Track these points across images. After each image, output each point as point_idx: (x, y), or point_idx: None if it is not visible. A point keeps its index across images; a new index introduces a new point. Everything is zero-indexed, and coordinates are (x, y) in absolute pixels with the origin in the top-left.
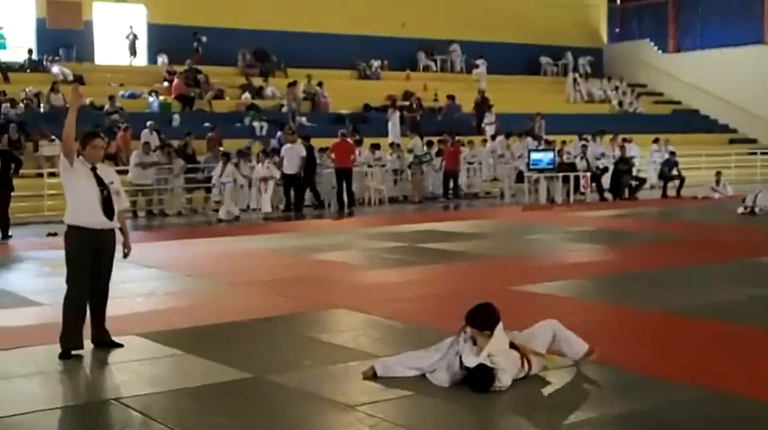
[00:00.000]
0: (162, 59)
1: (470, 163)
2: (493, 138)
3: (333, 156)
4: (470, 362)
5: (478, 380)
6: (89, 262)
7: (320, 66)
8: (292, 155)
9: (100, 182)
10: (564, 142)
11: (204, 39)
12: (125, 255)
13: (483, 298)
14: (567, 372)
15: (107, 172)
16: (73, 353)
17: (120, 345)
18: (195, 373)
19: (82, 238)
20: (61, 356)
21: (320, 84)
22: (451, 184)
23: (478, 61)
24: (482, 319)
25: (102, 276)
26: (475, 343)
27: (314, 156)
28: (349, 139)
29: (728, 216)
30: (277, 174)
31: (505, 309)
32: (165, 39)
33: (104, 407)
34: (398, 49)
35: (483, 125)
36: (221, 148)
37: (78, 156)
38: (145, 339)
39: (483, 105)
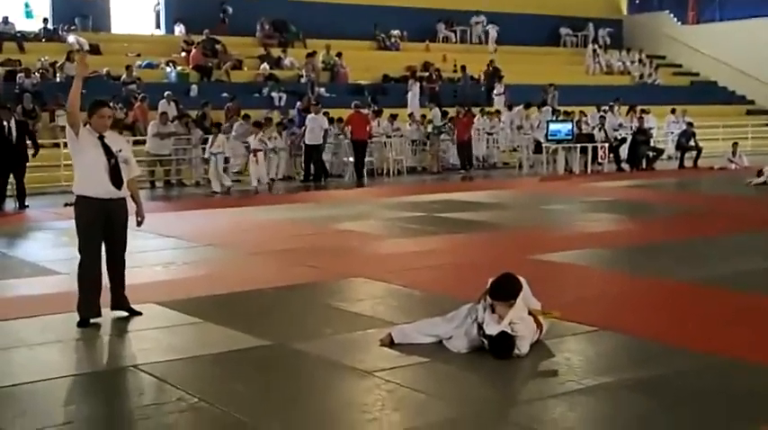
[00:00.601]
0: (179, 29)
1: (489, 133)
2: (510, 108)
3: (349, 127)
4: (493, 330)
5: (500, 347)
6: (99, 231)
7: (339, 36)
8: (315, 125)
9: (107, 151)
10: (582, 113)
11: (230, 9)
12: (138, 224)
13: (502, 267)
14: (582, 340)
15: (115, 140)
16: (91, 321)
17: (139, 313)
18: (215, 341)
19: (91, 208)
20: (79, 324)
21: (339, 54)
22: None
23: (489, 27)
24: (507, 291)
25: (116, 245)
26: (494, 311)
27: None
28: (363, 111)
29: (745, 187)
30: (271, 145)
31: (525, 277)
32: (183, 8)
33: (123, 374)
34: (418, 19)
35: (492, 95)
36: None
37: (85, 125)
38: (164, 307)
39: (494, 75)
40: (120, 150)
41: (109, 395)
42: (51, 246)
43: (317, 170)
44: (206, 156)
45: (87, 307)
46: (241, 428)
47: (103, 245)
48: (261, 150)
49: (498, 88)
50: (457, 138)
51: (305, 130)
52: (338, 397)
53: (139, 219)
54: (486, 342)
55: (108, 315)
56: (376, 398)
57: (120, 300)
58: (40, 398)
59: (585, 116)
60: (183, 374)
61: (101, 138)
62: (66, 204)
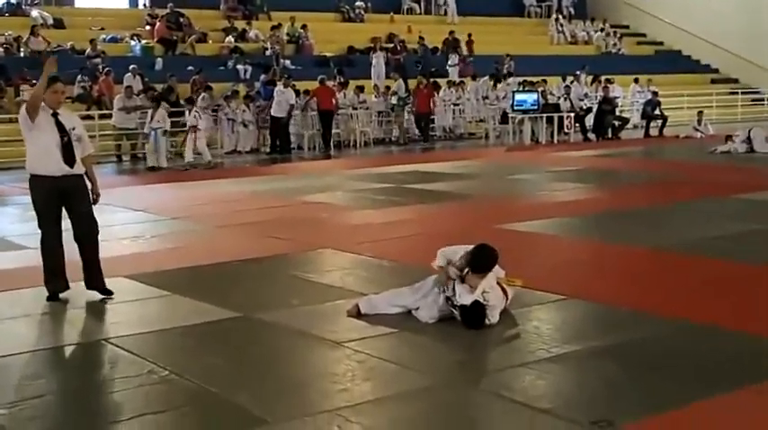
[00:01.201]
0: (143, 1)
1: (455, 104)
2: (474, 78)
3: (315, 99)
4: (466, 299)
5: (473, 316)
6: (54, 208)
7: (303, 8)
8: (281, 99)
9: (61, 128)
10: (544, 81)
11: None
12: (94, 202)
13: (470, 237)
14: (552, 308)
15: (69, 118)
16: (60, 296)
17: (110, 293)
18: (184, 314)
19: (44, 186)
20: (48, 298)
21: (304, 26)
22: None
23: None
24: (488, 263)
25: (80, 222)
26: (463, 281)
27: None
28: (329, 83)
29: (710, 155)
30: (202, 125)
31: (494, 246)
32: None
33: (93, 348)
34: None
35: (446, 67)
36: (204, 91)
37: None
38: (132, 281)
39: (454, 46)
40: (74, 128)
41: (79, 369)
42: (18, 221)
43: (282, 142)
44: (146, 130)
45: (53, 281)
46: (212, 399)
47: (70, 223)
48: (196, 126)
49: (452, 59)
50: (416, 110)
51: (271, 103)
52: (308, 367)
53: (95, 196)
54: (456, 312)
55: (78, 288)
56: (346, 369)
57: (92, 279)
58: (9, 373)
59: (545, 84)
60: (153, 347)
61: (54, 115)
62: None
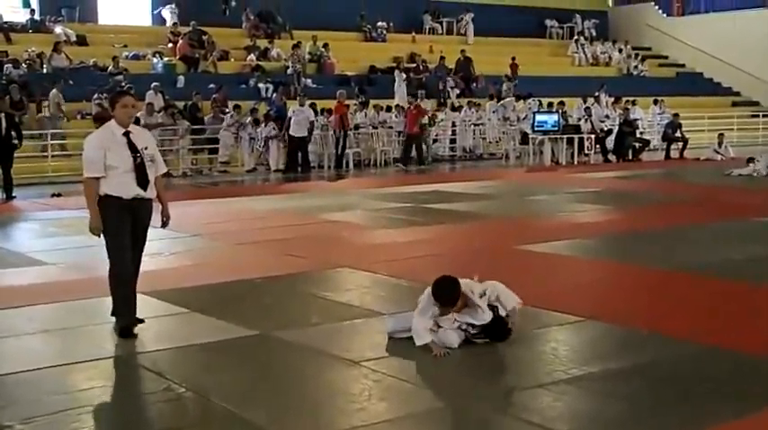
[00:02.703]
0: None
1: (475, 124)
2: (491, 98)
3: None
4: (484, 318)
5: (498, 331)
6: (126, 232)
7: (326, 28)
8: (301, 118)
9: (132, 148)
10: (562, 103)
11: (234, 2)
12: (163, 225)
13: (489, 257)
14: (570, 329)
15: (141, 136)
16: (134, 331)
17: (142, 321)
18: (202, 331)
19: (114, 208)
20: (121, 335)
21: (326, 45)
22: (417, 149)
23: (465, 16)
24: (450, 297)
25: (134, 248)
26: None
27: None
28: (346, 101)
29: (730, 177)
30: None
31: (512, 267)
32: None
33: (111, 364)
34: (404, 11)
35: (447, 88)
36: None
37: (110, 119)
38: (151, 298)
39: (467, 66)
40: (146, 147)
41: (96, 384)
42: (38, 237)
43: (304, 161)
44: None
45: (126, 315)
46: (228, 418)
47: None
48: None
49: (450, 81)
50: (406, 131)
51: (289, 122)
52: (324, 386)
53: (164, 219)
54: (473, 332)
55: (96, 304)
56: (362, 388)
57: None
58: (27, 388)
59: (563, 106)
60: (171, 364)
61: (126, 134)
62: (53, 194)
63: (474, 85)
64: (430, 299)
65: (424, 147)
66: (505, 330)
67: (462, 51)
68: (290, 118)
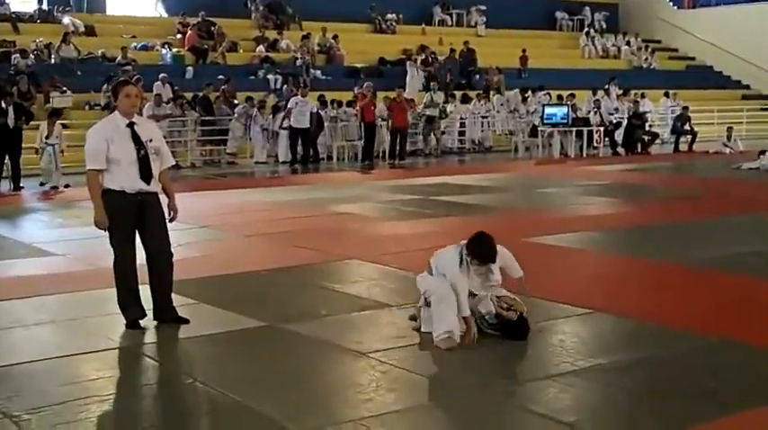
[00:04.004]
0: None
1: (484, 117)
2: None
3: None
4: (497, 279)
5: (521, 330)
6: (128, 227)
7: (335, 19)
8: (304, 110)
9: (137, 140)
10: (572, 95)
11: None
12: (171, 219)
13: None
14: (578, 322)
15: (146, 128)
16: (141, 323)
17: (186, 321)
18: (210, 322)
19: (116, 201)
20: (128, 326)
21: (335, 37)
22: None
23: (473, 9)
24: (494, 251)
25: (150, 244)
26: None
27: (319, 113)
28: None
29: (739, 171)
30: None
31: (521, 260)
32: None
33: (118, 355)
34: (414, 3)
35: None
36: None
37: (113, 110)
38: None
39: (469, 57)
40: (151, 140)
41: (104, 375)
42: (46, 227)
43: (306, 153)
44: (39, 145)
45: (132, 308)
46: (235, 408)
47: (140, 244)
48: (54, 144)
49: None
50: (392, 125)
51: (289, 113)
52: (333, 377)
53: (172, 213)
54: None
55: (104, 295)
56: (370, 379)
57: (162, 309)
58: (35, 378)
59: (573, 98)
60: (179, 355)
61: (130, 125)
62: (51, 187)
63: (477, 77)
64: (462, 261)
65: (433, 138)
66: (526, 330)
67: (466, 42)
68: (291, 109)
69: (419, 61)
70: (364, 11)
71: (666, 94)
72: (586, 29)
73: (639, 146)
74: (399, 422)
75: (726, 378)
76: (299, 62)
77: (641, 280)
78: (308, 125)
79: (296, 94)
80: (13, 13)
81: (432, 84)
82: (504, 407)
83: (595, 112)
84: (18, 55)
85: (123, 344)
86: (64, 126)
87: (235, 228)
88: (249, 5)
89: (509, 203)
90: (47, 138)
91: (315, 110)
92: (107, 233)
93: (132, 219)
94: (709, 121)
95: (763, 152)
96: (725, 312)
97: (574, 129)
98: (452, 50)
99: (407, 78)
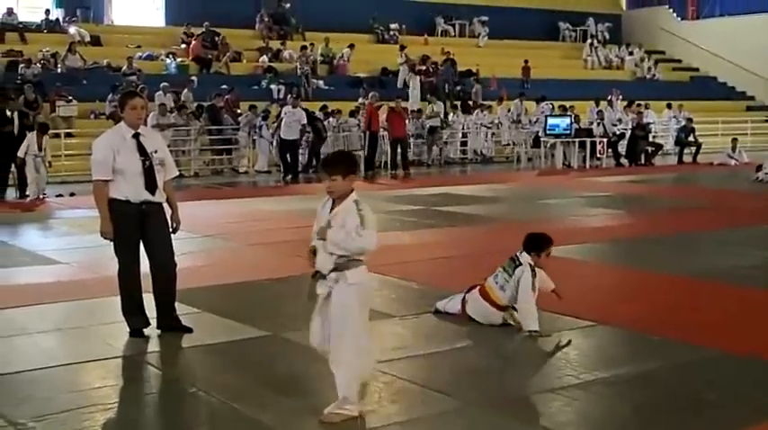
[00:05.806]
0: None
1: (487, 127)
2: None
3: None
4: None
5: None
6: (132, 237)
7: (338, 29)
8: (293, 120)
9: (142, 151)
10: (572, 106)
11: (288, 4)
12: (174, 230)
13: (500, 259)
14: (581, 334)
15: (151, 139)
16: (144, 332)
17: (189, 330)
18: (213, 331)
19: (121, 211)
20: (132, 334)
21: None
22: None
23: (475, 20)
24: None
25: (154, 254)
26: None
27: (315, 124)
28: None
29: (744, 183)
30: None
31: None
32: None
33: (121, 363)
34: (416, 13)
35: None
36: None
37: (119, 122)
38: None
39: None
40: (156, 151)
41: (108, 383)
42: (51, 236)
43: (294, 164)
44: (21, 155)
45: (136, 316)
46: (237, 417)
47: (144, 255)
48: (39, 156)
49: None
50: (391, 135)
51: (280, 123)
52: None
53: (175, 224)
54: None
55: (106, 303)
56: (372, 390)
57: (166, 319)
58: (40, 386)
59: (573, 109)
60: (182, 363)
61: (135, 136)
62: (59, 195)
63: (458, 88)
64: (529, 265)
65: (435, 149)
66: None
67: (447, 53)
68: (282, 119)
69: (420, 72)
70: (367, 21)
71: (669, 106)
72: (589, 40)
73: (643, 157)
74: None
75: (730, 391)
76: (298, 72)
77: (643, 292)
78: (297, 137)
79: (286, 104)
80: (20, 23)
81: (429, 96)
82: (507, 420)
83: (599, 123)
84: (24, 64)
85: (127, 352)
86: (68, 135)
87: (238, 237)
88: (254, 16)
89: (511, 214)
90: (40, 150)
91: (304, 121)
92: (112, 242)
93: (136, 228)
94: (714, 133)
95: (760, 167)
96: (729, 324)
97: (577, 139)
98: (453, 62)
99: (410, 89)
